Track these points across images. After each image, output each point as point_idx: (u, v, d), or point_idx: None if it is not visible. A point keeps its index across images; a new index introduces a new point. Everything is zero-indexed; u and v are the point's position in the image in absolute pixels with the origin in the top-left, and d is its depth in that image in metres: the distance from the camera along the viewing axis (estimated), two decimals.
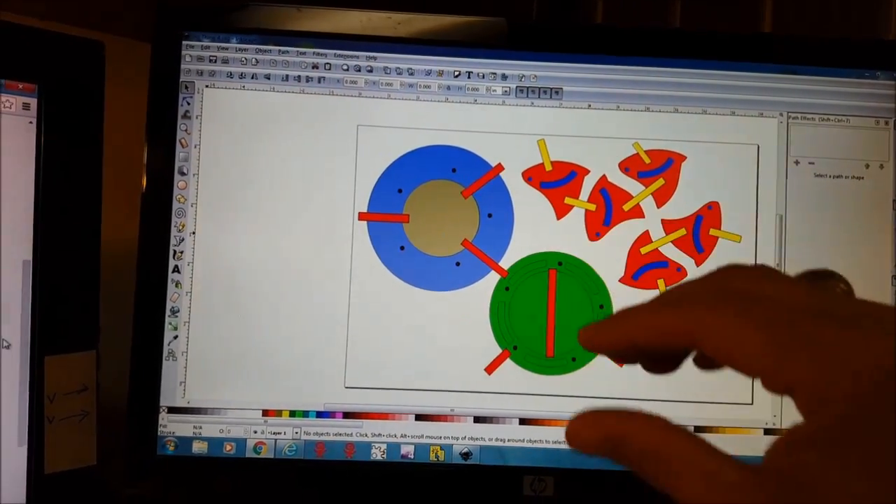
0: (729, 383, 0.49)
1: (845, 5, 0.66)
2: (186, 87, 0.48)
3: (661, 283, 0.49)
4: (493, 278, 0.49)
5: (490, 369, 0.48)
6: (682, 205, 0.49)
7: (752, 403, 0.49)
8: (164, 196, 0.47)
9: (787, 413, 0.49)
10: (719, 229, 0.49)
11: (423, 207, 0.49)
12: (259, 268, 0.48)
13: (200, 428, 0.48)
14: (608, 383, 0.49)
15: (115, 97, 0.47)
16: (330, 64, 0.49)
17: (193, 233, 0.48)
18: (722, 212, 0.49)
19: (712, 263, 0.49)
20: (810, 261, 0.49)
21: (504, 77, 0.49)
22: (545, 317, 0.49)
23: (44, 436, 0.44)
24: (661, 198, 0.49)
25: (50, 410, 0.44)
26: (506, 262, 0.49)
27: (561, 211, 0.49)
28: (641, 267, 0.49)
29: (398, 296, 0.48)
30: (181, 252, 0.47)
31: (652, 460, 0.18)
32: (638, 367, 0.50)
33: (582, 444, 0.20)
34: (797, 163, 0.50)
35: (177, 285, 0.47)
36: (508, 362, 0.49)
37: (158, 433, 0.48)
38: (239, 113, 0.48)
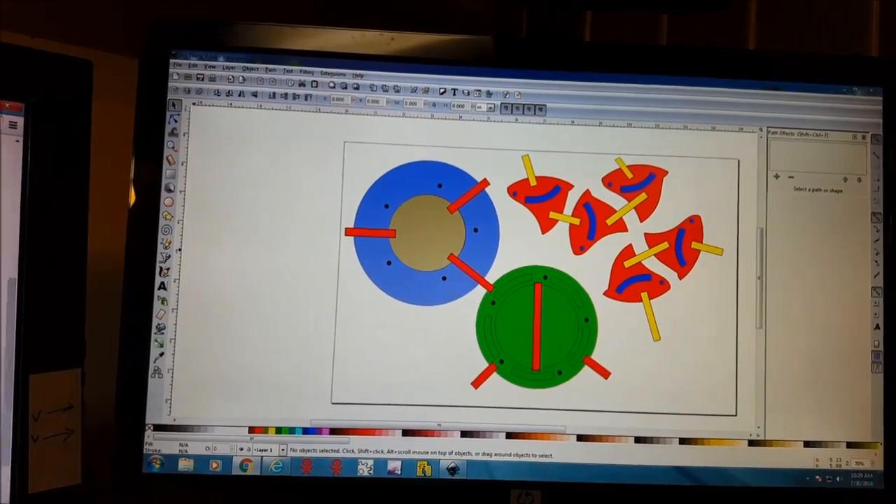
0: (712, 395, 0.49)
1: (827, 22, 0.67)
2: (174, 105, 0.48)
3: (644, 296, 0.49)
4: (479, 292, 0.49)
5: (477, 383, 0.49)
6: (665, 219, 0.50)
7: (735, 415, 0.49)
8: (151, 213, 0.48)
9: (771, 424, 0.49)
10: (701, 242, 0.50)
11: (410, 222, 0.49)
12: (246, 284, 0.48)
13: (186, 445, 0.47)
14: (594, 396, 0.49)
15: (105, 113, 0.47)
16: (316, 81, 0.49)
17: (180, 249, 0.48)
18: (704, 225, 0.50)
19: (695, 276, 0.50)
20: (791, 273, 0.50)
21: (489, 94, 0.50)
22: (531, 330, 0.49)
23: (28, 455, 0.43)
24: (644, 212, 0.50)
25: (34, 429, 0.44)
26: (492, 277, 0.49)
27: (546, 225, 0.50)
28: (625, 280, 0.49)
29: (385, 311, 0.48)
30: (167, 269, 0.48)
31: None
32: (625, 380, 0.51)
33: None
34: (777, 177, 0.50)
35: (163, 302, 0.47)
36: (495, 376, 0.49)
37: (144, 451, 0.47)
38: (226, 130, 0.48)
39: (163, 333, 0.47)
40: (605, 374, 0.49)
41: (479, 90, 0.50)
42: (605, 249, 0.50)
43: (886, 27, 0.63)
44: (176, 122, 0.48)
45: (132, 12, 0.62)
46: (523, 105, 0.50)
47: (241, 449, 0.48)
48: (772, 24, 0.71)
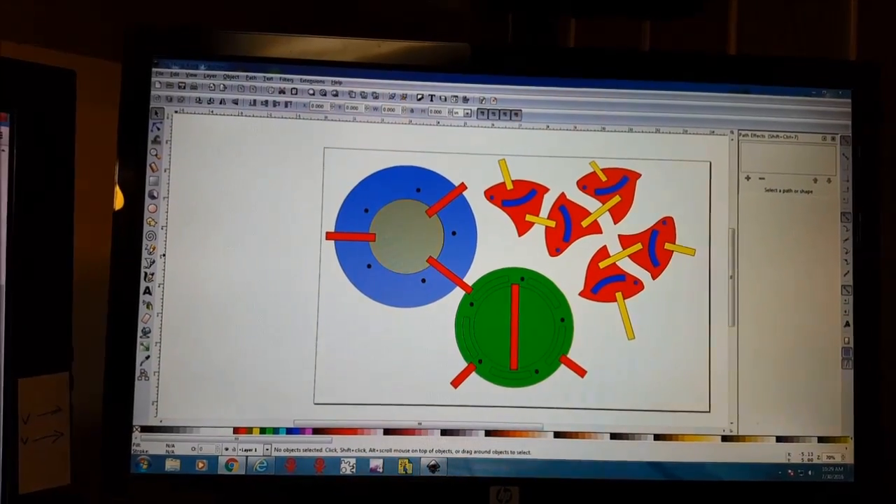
0: (686, 391, 0.51)
1: (806, 27, 0.68)
2: (156, 113, 0.49)
3: (619, 296, 0.50)
4: (457, 294, 0.50)
5: (456, 383, 0.50)
6: (638, 220, 0.51)
7: (709, 411, 0.50)
8: (135, 219, 0.49)
9: (744, 420, 0.51)
10: (674, 243, 0.51)
11: (389, 226, 0.50)
12: (228, 288, 0.49)
13: (173, 446, 0.49)
14: (570, 394, 0.50)
15: (94, 117, 0.48)
16: (296, 89, 0.50)
17: (164, 255, 0.49)
18: (676, 226, 0.51)
19: (668, 276, 0.51)
20: (763, 272, 0.51)
21: (465, 100, 0.51)
22: (509, 330, 0.50)
23: (17, 457, 0.44)
24: (618, 214, 0.51)
25: (24, 432, 0.45)
26: (470, 278, 0.50)
27: (522, 228, 0.51)
28: (600, 281, 0.51)
29: (365, 313, 0.50)
30: (152, 274, 0.49)
31: None
32: (600, 378, 0.52)
33: None
34: (748, 178, 0.52)
35: (148, 306, 0.49)
36: (474, 375, 0.50)
37: (132, 452, 0.48)
38: (208, 137, 0.49)
39: (148, 337, 0.49)
40: (581, 372, 0.50)
41: (456, 96, 0.51)
42: (581, 251, 0.51)
43: (864, 32, 0.64)
44: (158, 129, 0.49)
45: (118, 18, 0.63)
46: (499, 110, 0.51)
47: (227, 449, 0.49)
48: (752, 30, 0.72)
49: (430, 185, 0.50)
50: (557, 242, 0.51)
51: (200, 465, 0.49)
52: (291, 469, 0.49)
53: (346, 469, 0.49)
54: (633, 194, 0.51)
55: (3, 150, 0.45)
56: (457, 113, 0.51)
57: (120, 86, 0.49)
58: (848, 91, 0.52)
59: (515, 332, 0.50)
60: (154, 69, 0.49)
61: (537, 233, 0.51)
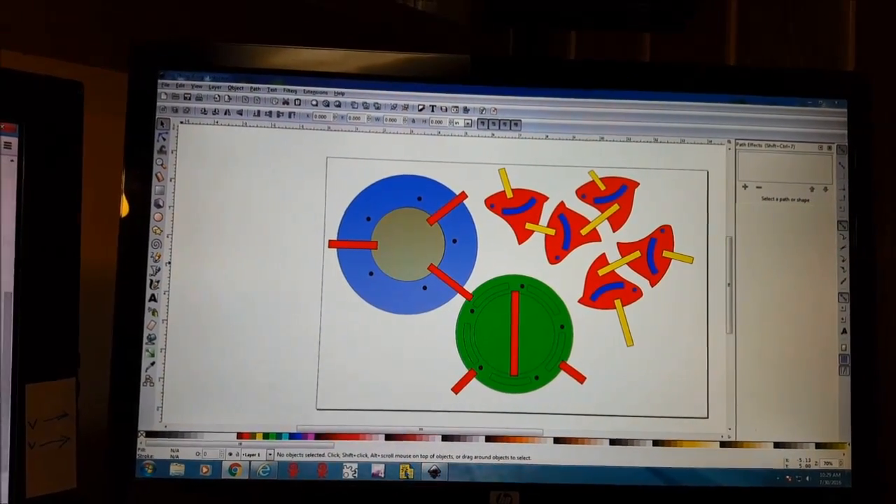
0: (684, 398, 0.51)
1: (805, 39, 0.69)
2: (162, 124, 0.50)
3: (617, 303, 0.51)
4: (458, 301, 0.51)
5: (457, 389, 0.50)
6: (637, 228, 0.52)
7: (707, 417, 0.51)
8: (141, 228, 0.49)
9: (742, 426, 0.51)
10: (672, 251, 0.52)
11: (391, 234, 0.51)
12: (233, 295, 0.50)
13: (177, 451, 0.49)
14: (570, 400, 0.51)
15: (97, 126, 0.49)
16: (299, 100, 0.51)
17: (169, 263, 0.50)
18: (674, 234, 0.52)
19: (666, 284, 0.51)
20: (760, 280, 0.52)
21: (466, 110, 0.52)
22: (509, 337, 0.51)
23: (25, 461, 0.45)
24: (617, 222, 0.52)
25: (31, 436, 0.45)
26: (471, 286, 0.51)
27: (522, 236, 0.51)
28: (599, 288, 0.51)
29: (367, 320, 0.50)
30: (157, 281, 0.49)
31: None
32: (600, 384, 0.52)
33: None
34: (745, 187, 0.52)
35: (153, 313, 0.49)
36: (474, 382, 0.51)
37: (137, 456, 0.49)
38: (213, 147, 0.50)
39: (153, 343, 0.49)
40: (580, 378, 0.51)
41: (457, 106, 0.52)
42: (580, 258, 0.51)
43: (862, 40, 0.65)
44: (164, 140, 0.50)
45: (123, 27, 0.64)
46: (499, 120, 0.52)
47: (230, 454, 0.50)
48: (751, 40, 0.73)
49: (432, 193, 0.51)
50: (557, 250, 0.51)
51: (204, 469, 0.49)
52: (294, 474, 0.50)
53: (349, 474, 0.50)
54: (631, 203, 0.52)
55: (13, 161, 0.46)
56: (457, 123, 0.52)
57: (126, 94, 0.50)
58: (844, 101, 0.53)
59: (515, 339, 0.51)
60: (160, 80, 0.50)
61: (537, 241, 0.51)
